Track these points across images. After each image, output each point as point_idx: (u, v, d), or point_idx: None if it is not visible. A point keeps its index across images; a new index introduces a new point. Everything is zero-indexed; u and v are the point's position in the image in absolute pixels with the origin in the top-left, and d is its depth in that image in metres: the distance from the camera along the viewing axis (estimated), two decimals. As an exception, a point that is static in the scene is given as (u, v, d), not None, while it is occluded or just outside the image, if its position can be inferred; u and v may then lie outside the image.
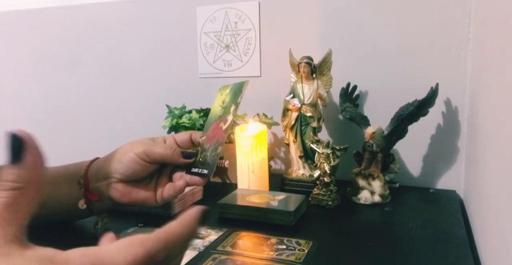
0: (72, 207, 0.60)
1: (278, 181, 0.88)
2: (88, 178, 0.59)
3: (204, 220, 0.36)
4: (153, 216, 0.71)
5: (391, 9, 0.89)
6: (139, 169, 0.57)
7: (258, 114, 0.96)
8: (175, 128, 0.95)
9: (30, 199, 0.30)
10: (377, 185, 0.77)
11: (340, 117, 0.94)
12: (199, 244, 0.59)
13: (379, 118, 0.82)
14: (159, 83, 1.15)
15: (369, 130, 0.76)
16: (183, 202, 0.75)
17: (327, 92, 0.86)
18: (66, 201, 0.60)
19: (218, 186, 0.92)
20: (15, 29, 1.31)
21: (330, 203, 0.75)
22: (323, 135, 0.95)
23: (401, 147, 0.88)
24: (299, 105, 0.83)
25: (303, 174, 0.87)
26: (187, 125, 0.93)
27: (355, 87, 0.92)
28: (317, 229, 0.67)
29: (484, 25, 0.68)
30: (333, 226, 0.69)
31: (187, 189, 0.75)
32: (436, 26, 0.86)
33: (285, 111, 0.86)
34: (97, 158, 0.62)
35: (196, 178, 0.57)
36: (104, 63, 1.21)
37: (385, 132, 0.78)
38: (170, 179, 0.61)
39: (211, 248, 0.57)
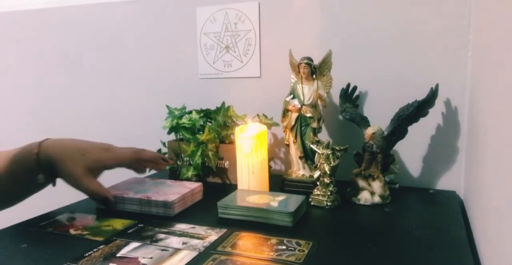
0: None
1: (278, 181, 0.88)
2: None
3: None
4: (154, 216, 0.72)
5: (391, 10, 0.89)
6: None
7: (258, 115, 0.96)
8: (175, 128, 0.95)
9: None
10: (377, 185, 0.77)
11: (340, 117, 0.94)
12: (199, 244, 0.59)
13: (379, 118, 0.82)
14: (159, 84, 1.15)
15: (369, 131, 0.76)
16: (183, 202, 0.75)
17: (327, 92, 0.86)
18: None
19: (218, 187, 0.92)
20: (16, 30, 1.31)
21: (330, 203, 0.75)
22: (323, 136, 0.95)
23: (401, 148, 0.88)
24: (299, 106, 0.83)
25: (303, 175, 0.87)
26: (187, 125, 0.93)
27: (355, 88, 0.92)
28: (317, 229, 0.67)
29: (484, 25, 0.68)
30: (333, 227, 0.69)
31: (187, 190, 0.76)
32: (436, 26, 0.86)
33: (285, 111, 0.86)
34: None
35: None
36: (104, 64, 1.21)
37: (385, 133, 0.78)
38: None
39: (211, 249, 0.57)
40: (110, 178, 0.82)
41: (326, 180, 0.76)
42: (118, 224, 0.68)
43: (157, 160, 0.79)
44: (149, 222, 0.68)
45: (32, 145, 0.68)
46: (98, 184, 0.70)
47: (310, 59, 0.83)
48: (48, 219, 0.71)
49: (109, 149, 0.74)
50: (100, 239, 0.62)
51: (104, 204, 0.71)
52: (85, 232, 0.65)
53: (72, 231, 0.65)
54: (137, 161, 0.77)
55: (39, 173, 0.67)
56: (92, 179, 0.69)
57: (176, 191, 0.76)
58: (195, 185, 0.80)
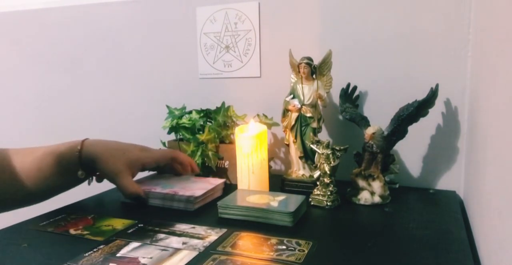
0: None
1: (278, 181, 0.88)
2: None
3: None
4: (175, 211, 0.74)
5: (391, 10, 0.89)
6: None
7: (258, 115, 0.96)
8: (175, 128, 0.95)
9: None
10: (377, 185, 0.77)
11: (340, 117, 0.94)
12: (199, 244, 0.59)
13: (379, 118, 0.82)
14: (159, 84, 1.15)
15: (369, 131, 0.77)
16: (204, 198, 0.77)
17: (327, 92, 0.86)
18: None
19: (218, 187, 0.92)
20: (15, 30, 1.31)
21: (330, 203, 0.75)
22: (323, 136, 0.95)
23: (401, 148, 0.88)
24: (299, 106, 0.83)
25: (303, 175, 0.87)
26: (187, 125, 0.93)
27: (355, 88, 0.92)
28: (317, 229, 0.67)
29: (484, 25, 0.68)
30: (333, 227, 0.69)
31: (210, 186, 0.80)
32: (436, 26, 0.86)
33: (285, 111, 0.86)
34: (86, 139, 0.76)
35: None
36: (104, 64, 1.21)
37: (385, 133, 0.78)
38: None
39: (211, 249, 0.57)
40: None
41: (326, 180, 0.76)
42: (118, 224, 0.68)
43: (191, 163, 0.85)
44: (149, 222, 0.68)
45: (75, 143, 0.74)
46: (132, 182, 0.75)
47: (310, 59, 0.83)
48: (48, 219, 0.71)
49: (147, 149, 0.81)
50: (100, 239, 0.62)
51: (136, 201, 0.76)
52: (85, 232, 0.65)
53: (72, 231, 0.65)
54: (172, 160, 0.83)
55: (79, 169, 0.72)
56: (128, 177, 0.74)
57: (202, 187, 0.79)
58: (219, 182, 0.83)
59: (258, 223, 0.67)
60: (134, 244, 0.59)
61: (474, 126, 0.73)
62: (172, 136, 0.97)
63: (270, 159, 0.96)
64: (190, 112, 0.97)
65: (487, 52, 0.63)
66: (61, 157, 0.72)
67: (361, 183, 0.78)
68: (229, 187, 0.88)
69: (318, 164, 0.77)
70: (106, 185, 0.88)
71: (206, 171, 0.93)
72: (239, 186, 0.83)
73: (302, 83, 0.84)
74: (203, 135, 0.91)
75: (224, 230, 0.64)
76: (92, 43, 1.21)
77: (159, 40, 1.13)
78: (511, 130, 0.43)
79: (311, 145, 0.80)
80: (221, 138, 0.94)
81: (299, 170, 0.88)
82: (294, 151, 0.87)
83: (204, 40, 1.07)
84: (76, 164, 0.72)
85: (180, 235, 0.62)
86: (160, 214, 0.73)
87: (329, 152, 0.76)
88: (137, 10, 1.14)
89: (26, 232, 0.65)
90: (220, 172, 0.94)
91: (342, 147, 0.77)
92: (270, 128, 0.95)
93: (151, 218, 0.70)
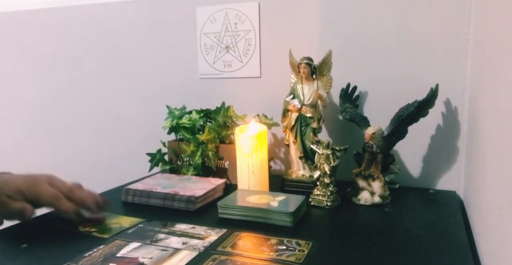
0: None
1: (278, 181, 0.88)
2: None
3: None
4: (176, 211, 0.74)
5: (391, 10, 0.89)
6: None
7: (258, 115, 0.96)
8: (175, 128, 0.95)
9: None
10: (377, 185, 0.77)
11: (340, 117, 0.94)
12: (199, 244, 0.59)
13: (379, 118, 0.82)
14: (159, 84, 1.15)
15: (369, 131, 0.76)
16: (205, 198, 0.77)
17: (327, 92, 0.86)
18: None
19: (218, 187, 0.92)
20: (16, 30, 1.31)
21: (330, 203, 0.75)
22: (323, 136, 0.95)
23: (401, 148, 0.88)
24: (299, 106, 0.83)
25: (303, 175, 0.87)
26: (187, 125, 0.93)
27: (355, 88, 0.92)
28: (317, 229, 0.67)
29: (484, 25, 0.68)
30: (333, 227, 0.69)
31: (211, 186, 0.81)
32: (436, 27, 0.86)
33: (285, 111, 0.86)
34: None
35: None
36: (104, 64, 1.21)
37: (385, 133, 0.78)
38: None
39: (211, 249, 0.57)
40: (109, 179, 0.82)
41: (326, 180, 0.76)
42: (126, 222, 0.69)
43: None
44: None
45: None
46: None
47: (310, 59, 0.83)
48: (55, 216, 0.70)
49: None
50: (106, 236, 0.63)
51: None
52: (92, 229, 0.66)
53: (80, 228, 0.66)
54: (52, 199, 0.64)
55: None
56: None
57: (202, 187, 0.79)
58: (219, 182, 0.84)
59: (258, 223, 0.67)
60: (134, 244, 0.59)
61: (474, 126, 0.73)
62: (172, 136, 0.97)
63: (270, 159, 0.96)
64: (190, 112, 0.97)
65: (487, 52, 0.63)
66: None
67: (361, 183, 0.78)
68: (229, 187, 0.88)
69: (318, 164, 0.77)
70: (110, 184, 0.88)
71: (206, 171, 0.94)
72: (239, 186, 0.83)
73: (302, 83, 0.84)
74: (203, 135, 0.91)
75: (224, 230, 0.64)
76: (92, 43, 1.21)
77: (159, 40, 1.13)
78: (511, 130, 0.43)
79: (311, 145, 0.80)
80: (221, 138, 0.94)
81: (299, 170, 0.88)
82: (294, 151, 0.87)
83: (204, 40, 1.07)
84: None
85: (180, 235, 0.62)
86: (160, 214, 0.73)
87: (329, 152, 0.76)
88: (137, 10, 1.14)
89: (26, 232, 0.65)
90: (220, 172, 0.94)
91: (342, 147, 0.77)
92: (270, 128, 0.95)
93: (151, 218, 0.70)
